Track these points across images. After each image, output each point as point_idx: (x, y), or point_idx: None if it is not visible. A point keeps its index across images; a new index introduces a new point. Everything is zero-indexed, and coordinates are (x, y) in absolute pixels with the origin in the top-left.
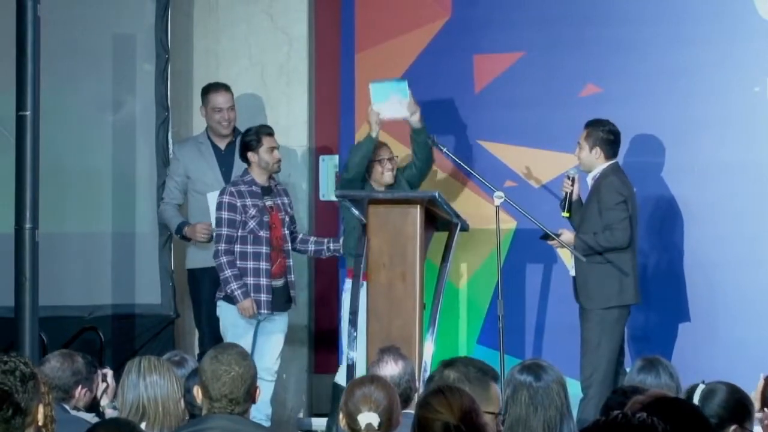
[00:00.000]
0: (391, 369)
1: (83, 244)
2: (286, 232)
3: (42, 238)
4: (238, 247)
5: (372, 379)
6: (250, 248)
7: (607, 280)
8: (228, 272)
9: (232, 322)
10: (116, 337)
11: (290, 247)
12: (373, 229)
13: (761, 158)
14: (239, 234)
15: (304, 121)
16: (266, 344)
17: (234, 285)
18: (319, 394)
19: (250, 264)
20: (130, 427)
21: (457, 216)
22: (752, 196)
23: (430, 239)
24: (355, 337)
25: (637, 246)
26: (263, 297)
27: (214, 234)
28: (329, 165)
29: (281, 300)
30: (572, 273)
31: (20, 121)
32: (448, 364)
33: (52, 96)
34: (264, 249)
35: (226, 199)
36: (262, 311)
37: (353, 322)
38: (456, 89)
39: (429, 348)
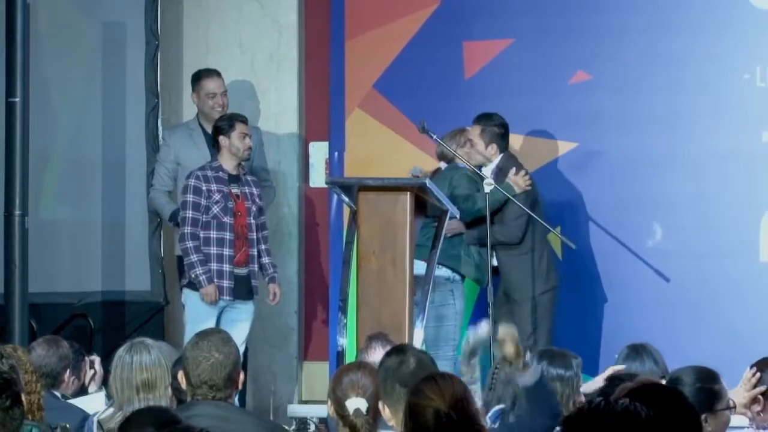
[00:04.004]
0: (379, 355)
1: (73, 230)
2: (252, 221)
3: (32, 225)
4: (202, 233)
5: (359, 365)
6: (214, 234)
7: (534, 268)
8: (194, 257)
9: (194, 309)
10: (106, 324)
11: (254, 237)
12: (363, 216)
13: (751, 146)
14: (203, 219)
15: (294, 108)
16: (230, 333)
17: (199, 270)
18: (309, 382)
19: (214, 250)
20: (167, 414)
21: (447, 203)
22: (743, 184)
23: (420, 226)
24: (345, 323)
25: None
26: (225, 283)
27: (180, 218)
28: (319, 152)
29: (243, 289)
30: (493, 263)
31: (10, 108)
32: (399, 350)
33: (41, 83)
34: (228, 235)
35: (191, 182)
36: (224, 297)
37: (343, 309)
38: (446, 76)
39: (419, 335)
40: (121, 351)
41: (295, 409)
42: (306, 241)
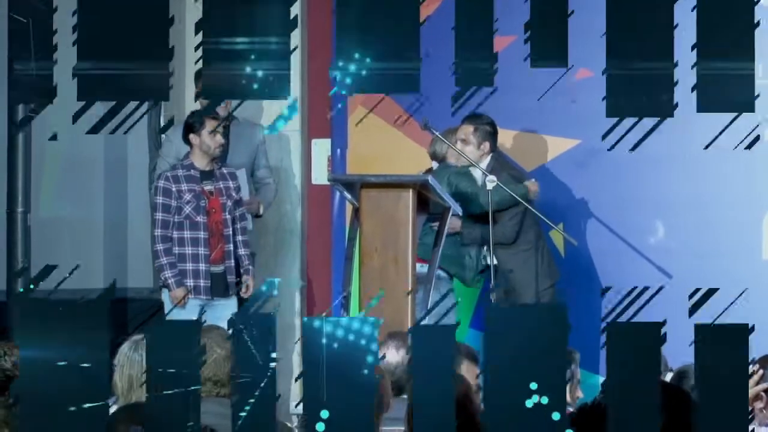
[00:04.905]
0: (391, 355)
1: (75, 228)
2: (227, 216)
3: (34, 222)
4: (175, 233)
5: None
6: (187, 234)
7: (537, 264)
8: (163, 260)
9: (175, 309)
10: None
11: (230, 232)
12: (366, 213)
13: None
14: (176, 220)
15: (297, 106)
16: None
17: (168, 273)
18: None
19: (189, 250)
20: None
21: (450, 200)
22: (745, 183)
23: (423, 223)
24: None
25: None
26: (202, 283)
27: (152, 220)
28: (321, 149)
29: (221, 286)
30: (493, 262)
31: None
32: None
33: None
34: (202, 234)
35: (161, 184)
36: (201, 297)
37: (345, 306)
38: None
39: None
40: (125, 349)
41: (298, 408)
42: (308, 238)
